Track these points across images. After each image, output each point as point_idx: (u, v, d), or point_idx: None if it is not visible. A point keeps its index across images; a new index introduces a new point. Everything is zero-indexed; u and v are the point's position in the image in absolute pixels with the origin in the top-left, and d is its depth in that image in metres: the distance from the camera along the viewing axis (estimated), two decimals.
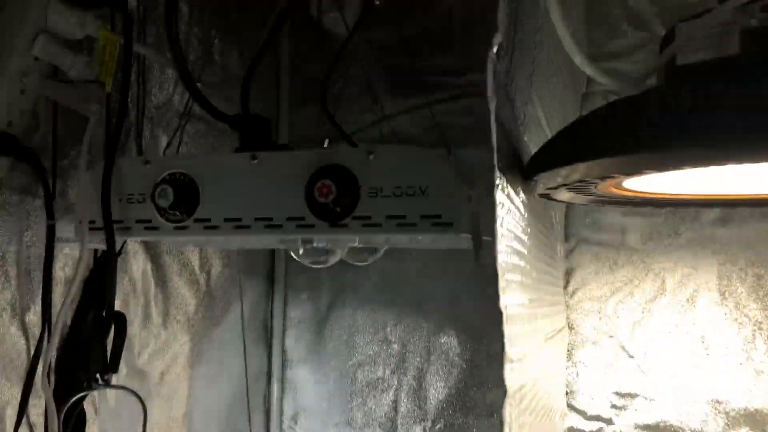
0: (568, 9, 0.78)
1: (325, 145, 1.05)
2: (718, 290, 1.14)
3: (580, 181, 0.61)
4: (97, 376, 0.62)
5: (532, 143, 0.76)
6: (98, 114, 0.66)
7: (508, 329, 0.48)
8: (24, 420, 0.74)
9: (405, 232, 0.56)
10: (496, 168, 0.46)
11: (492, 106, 0.45)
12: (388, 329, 1.30)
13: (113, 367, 0.62)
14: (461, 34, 1.27)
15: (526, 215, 0.63)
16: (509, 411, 0.46)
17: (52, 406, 0.63)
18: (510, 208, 0.52)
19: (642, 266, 1.18)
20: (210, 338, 1.13)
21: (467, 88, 1.25)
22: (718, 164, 0.47)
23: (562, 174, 0.60)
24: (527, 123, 0.70)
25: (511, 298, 0.50)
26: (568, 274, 1.22)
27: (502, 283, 0.46)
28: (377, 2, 0.92)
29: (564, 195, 0.72)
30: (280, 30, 0.73)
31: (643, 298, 1.18)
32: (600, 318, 1.20)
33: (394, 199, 0.56)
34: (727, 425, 1.12)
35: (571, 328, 1.21)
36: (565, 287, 1.22)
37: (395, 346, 1.30)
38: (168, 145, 0.83)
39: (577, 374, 1.21)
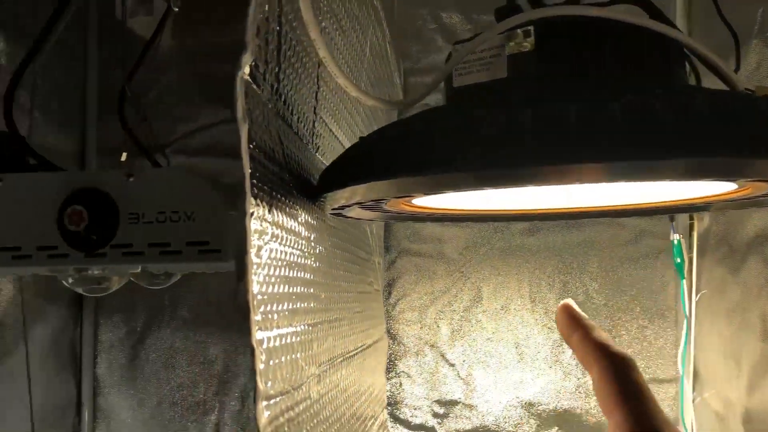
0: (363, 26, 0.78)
1: (123, 158, 0.99)
2: (529, 297, 1.19)
3: (362, 202, 0.60)
4: None
5: (330, 160, 0.75)
6: None
7: (267, 364, 0.45)
8: None
9: (170, 260, 0.52)
10: (249, 195, 0.43)
11: (243, 131, 0.43)
12: (210, 350, 1.25)
13: None
14: None
15: (312, 236, 0.61)
16: None
17: None
18: (278, 233, 0.50)
19: (459, 276, 1.21)
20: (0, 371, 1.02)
21: None
22: (470, 189, 0.47)
23: (344, 196, 0.59)
24: (318, 141, 0.69)
25: (276, 330, 0.48)
26: (390, 286, 1.23)
27: (256, 317, 0.43)
28: (176, 8, 0.87)
29: (355, 213, 0.71)
30: (51, 30, 0.66)
31: (461, 307, 1.21)
32: (421, 327, 1.22)
33: (158, 225, 0.52)
34: (539, 426, 1.17)
35: (393, 338, 1.22)
36: (388, 298, 1.23)
37: (217, 367, 1.24)
38: None
39: (401, 384, 1.22)
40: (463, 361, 1.20)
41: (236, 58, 0.44)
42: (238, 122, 0.44)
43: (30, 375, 1.02)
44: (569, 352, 1.16)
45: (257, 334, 0.44)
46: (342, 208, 0.66)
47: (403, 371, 1.22)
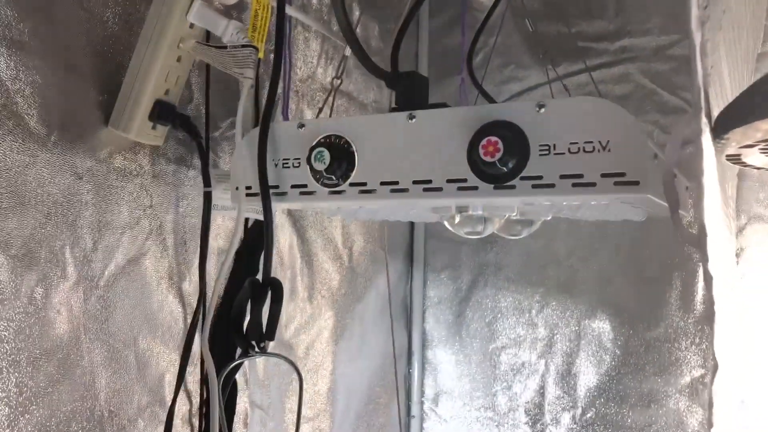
0: None
1: None
2: None
3: None
4: (254, 343, 0.61)
5: (713, 100, 0.68)
6: (252, 78, 0.64)
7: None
8: (182, 387, 0.75)
9: (582, 192, 0.50)
10: (703, 111, 0.40)
11: (697, 40, 0.39)
12: (534, 311, 1.24)
13: (270, 334, 0.61)
14: None
15: (716, 176, 0.56)
16: None
17: (213, 373, 0.63)
18: (714, 160, 0.46)
19: None
20: (353, 314, 1.12)
21: (622, 54, 1.16)
22: None
23: (762, 129, 0.52)
24: (711, 75, 0.62)
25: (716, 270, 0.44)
26: (738, 255, 1.11)
27: (711, 248, 0.39)
28: None
29: (758, 159, 0.63)
30: (415, 9, 0.68)
31: None
32: None
33: (570, 157, 0.51)
34: None
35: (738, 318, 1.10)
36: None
37: (542, 330, 1.23)
38: (319, 114, 0.81)
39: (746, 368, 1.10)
40: None
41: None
42: (692, 31, 0.40)
43: (393, 320, 1.10)
44: None
45: (708, 266, 0.40)
46: (748, 147, 0.59)
47: (749, 355, 1.09)
